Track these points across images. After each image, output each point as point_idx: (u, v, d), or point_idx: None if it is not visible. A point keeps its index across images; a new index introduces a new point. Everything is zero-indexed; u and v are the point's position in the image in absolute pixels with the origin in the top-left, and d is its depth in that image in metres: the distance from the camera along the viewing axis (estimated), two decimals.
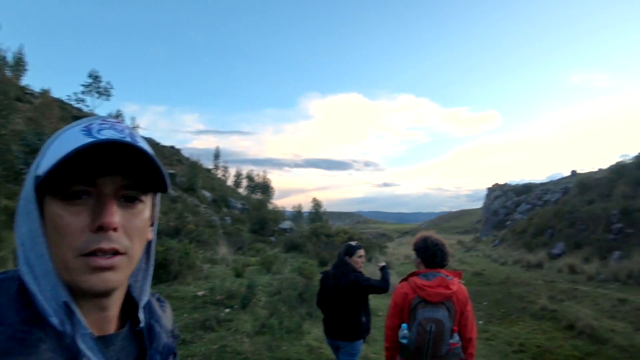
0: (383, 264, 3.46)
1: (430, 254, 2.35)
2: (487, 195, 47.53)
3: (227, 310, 5.88)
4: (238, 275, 8.07)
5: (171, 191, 17.29)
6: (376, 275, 3.42)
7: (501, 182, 46.94)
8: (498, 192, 43.25)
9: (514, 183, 45.87)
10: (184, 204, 15.21)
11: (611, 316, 7.00)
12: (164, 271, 6.86)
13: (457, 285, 2.22)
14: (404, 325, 2.19)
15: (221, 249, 10.52)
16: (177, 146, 28.88)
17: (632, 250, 12.01)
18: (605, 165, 25.15)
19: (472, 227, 50.55)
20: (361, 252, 3.30)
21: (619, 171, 20.64)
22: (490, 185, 48.20)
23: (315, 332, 5.86)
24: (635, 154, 20.35)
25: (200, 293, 6.41)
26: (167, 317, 0.78)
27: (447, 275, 2.25)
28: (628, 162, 20.85)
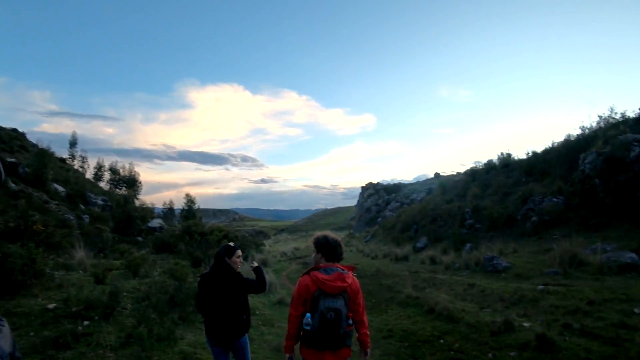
0: (256, 264, 3.85)
1: (332, 249, 2.81)
2: (361, 194, 51.70)
3: (86, 322, 5.45)
4: (99, 281, 7.53)
5: (11, 184, 14.19)
6: (252, 274, 3.80)
7: (374, 182, 51.61)
8: (371, 191, 47.44)
9: (385, 182, 50.99)
10: (28, 200, 12.93)
11: (463, 299, 8.28)
12: (2, 283, 5.97)
13: (351, 278, 2.71)
14: (308, 315, 2.61)
15: (78, 253, 9.52)
16: (21, 129, 23.89)
17: (479, 242, 14.52)
18: (462, 169, 29.83)
19: (347, 224, 54.47)
20: (239, 252, 3.63)
21: (472, 175, 24.74)
22: (364, 184, 52.49)
23: (189, 337, 5.71)
24: (485, 160, 24.67)
25: (51, 306, 5.78)
26: (4, 338, 0.69)
27: (343, 270, 2.72)
28: (479, 167, 25.13)
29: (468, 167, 27.69)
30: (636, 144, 12.23)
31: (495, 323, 6.12)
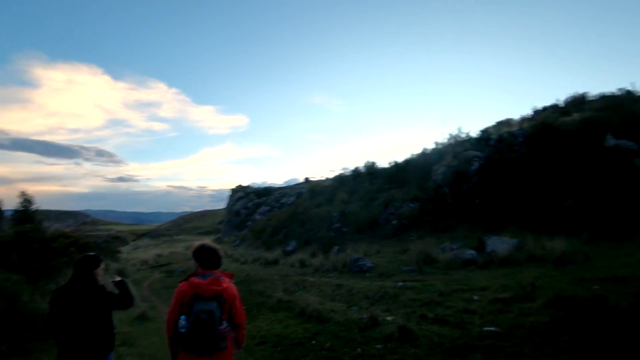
0: (119, 278, 3.70)
1: (208, 257, 3.04)
2: (231, 197, 50.68)
3: None
4: None
5: None
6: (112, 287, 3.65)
7: (244, 184, 51.15)
8: (241, 194, 46.90)
9: (255, 186, 51.00)
10: None
11: (332, 299, 8.75)
12: None
13: (227, 283, 2.93)
14: (183, 317, 2.77)
15: None
16: None
17: (346, 245, 15.55)
18: (331, 175, 31.59)
19: (215, 228, 52.78)
20: (103, 264, 3.51)
21: (340, 181, 26.44)
22: (233, 187, 51.62)
23: None
24: (352, 168, 26.63)
25: None
26: None
27: (220, 276, 2.94)
28: (347, 174, 26.99)
29: (336, 174, 29.50)
30: (476, 159, 14.72)
31: (362, 320, 6.63)
